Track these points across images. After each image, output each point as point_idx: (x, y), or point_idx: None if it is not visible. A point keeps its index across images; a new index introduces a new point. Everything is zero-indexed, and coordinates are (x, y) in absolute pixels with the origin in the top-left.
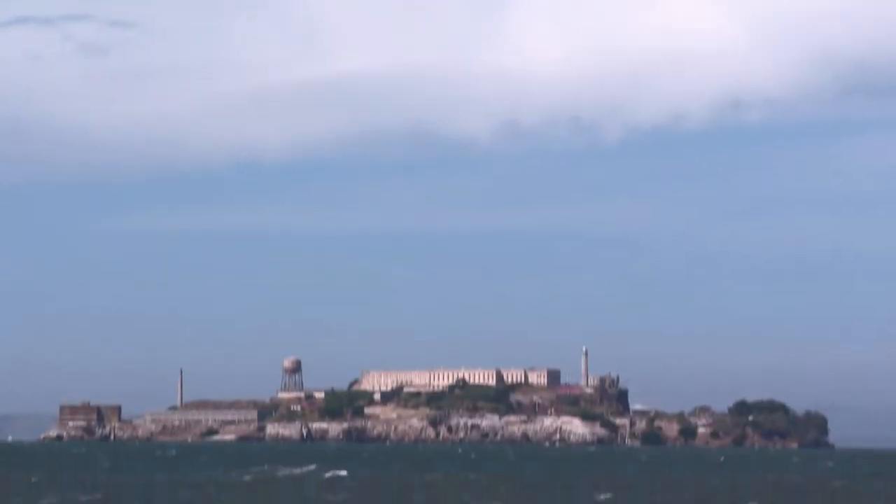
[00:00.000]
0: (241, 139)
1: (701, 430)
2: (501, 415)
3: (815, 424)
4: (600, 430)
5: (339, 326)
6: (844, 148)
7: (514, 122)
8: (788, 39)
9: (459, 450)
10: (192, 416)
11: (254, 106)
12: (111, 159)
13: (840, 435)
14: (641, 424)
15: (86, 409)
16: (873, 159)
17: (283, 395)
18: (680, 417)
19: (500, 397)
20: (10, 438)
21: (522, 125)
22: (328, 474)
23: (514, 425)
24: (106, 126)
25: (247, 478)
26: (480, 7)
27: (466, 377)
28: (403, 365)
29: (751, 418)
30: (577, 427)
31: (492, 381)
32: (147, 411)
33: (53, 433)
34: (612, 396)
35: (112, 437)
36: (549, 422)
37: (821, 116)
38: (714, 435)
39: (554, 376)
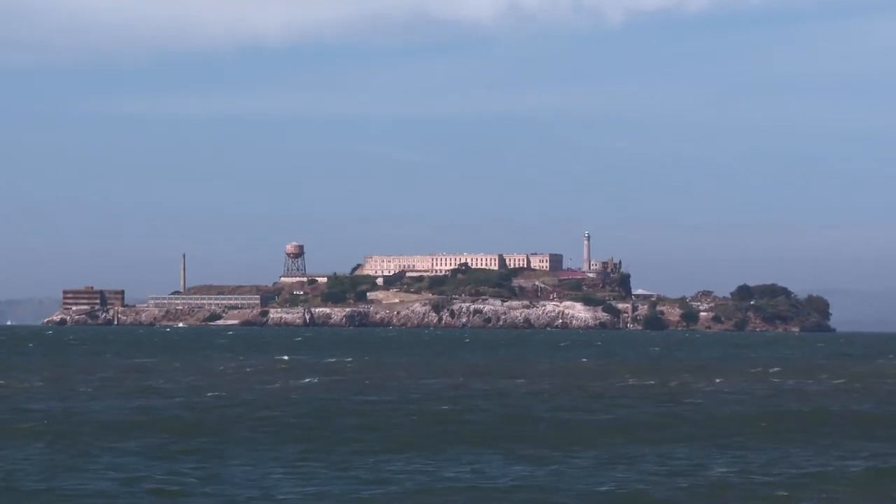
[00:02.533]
0: (243, 22)
1: (703, 314)
2: (504, 300)
3: (817, 308)
4: (602, 315)
5: (341, 211)
6: (847, 30)
7: (515, 5)
8: None
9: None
10: (195, 300)
11: None
12: (111, 43)
13: (842, 318)
14: (643, 309)
15: (89, 293)
16: (878, 41)
17: (286, 280)
18: (682, 302)
19: (503, 282)
20: (9, 322)
21: (524, 8)
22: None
23: (517, 310)
24: (107, 9)
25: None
26: None
27: (469, 262)
28: (406, 249)
29: (752, 302)
30: (579, 311)
31: (494, 266)
32: (150, 296)
33: (57, 317)
34: (615, 281)
35: (115, 321)
36: (551, 307)
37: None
38: (716, 319)
39: (556, 261)
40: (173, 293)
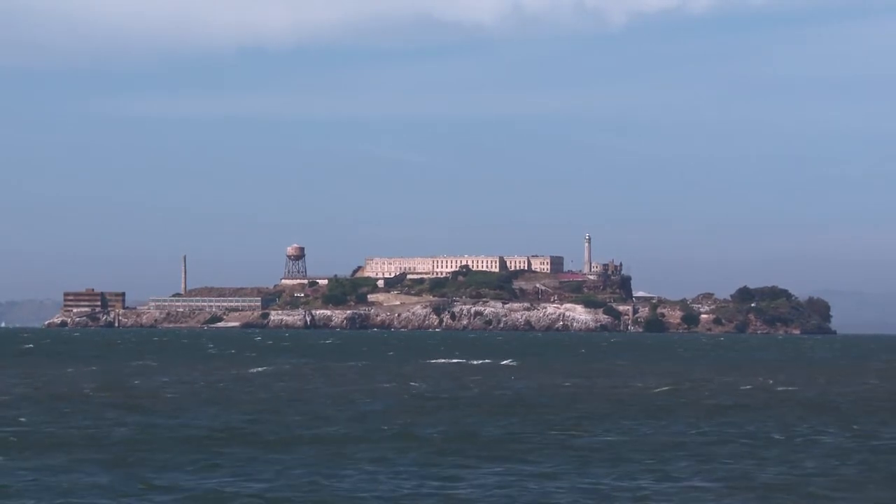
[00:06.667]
0: (246, 23)
1: (703, 316)
2: (504, 302)
3: (818, 310)
4: (603, 317)
5: (342, 213)
6: (849, 32)
7: (518, 8)
8: None
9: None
10: (196, 303)
11: None
12: (113, 44)
13: (842, 320)
14: (644, 311)
15: (90, 295)
16: (880, 42)
17: (287, 282)
18: (683, 304)
19: (504, 284)
20: (2, 324)
21: (527, 10)
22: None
23: (518, 312)
24: (109, 11)
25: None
26: None
27: (470, 264)
28: (406, 251)
29: (753, 304)
30: (579, 314)
31: (495, 268)
32: (150, 298)
33: (57, 319)
34: (615, 283)
35: (116, 323)
36: (551, 309)
37: (826, 1)
38: (717, 321)
39: (557, 263)
40: (174, 295)
